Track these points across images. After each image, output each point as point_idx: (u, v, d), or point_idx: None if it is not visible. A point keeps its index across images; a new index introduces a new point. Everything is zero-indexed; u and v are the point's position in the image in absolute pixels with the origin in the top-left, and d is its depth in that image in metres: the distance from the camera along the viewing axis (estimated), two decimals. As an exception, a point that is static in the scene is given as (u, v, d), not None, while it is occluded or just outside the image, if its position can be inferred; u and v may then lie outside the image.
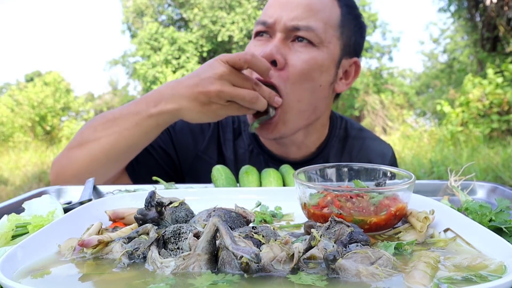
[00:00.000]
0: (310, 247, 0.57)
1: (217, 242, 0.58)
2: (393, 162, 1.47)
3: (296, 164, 1.24)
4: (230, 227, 0.63)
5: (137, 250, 0.60)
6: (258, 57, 1.12)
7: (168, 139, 1.40)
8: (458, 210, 0.79)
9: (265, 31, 1.25)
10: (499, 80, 8.65)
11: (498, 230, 0.70)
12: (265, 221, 0.83)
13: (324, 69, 1.24)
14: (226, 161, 1.40)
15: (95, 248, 0.63)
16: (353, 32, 1.32)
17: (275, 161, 1.37)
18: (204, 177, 1.25)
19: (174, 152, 1.41)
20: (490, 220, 0.74)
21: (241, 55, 1.11)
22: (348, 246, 0.59)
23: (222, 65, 1.10)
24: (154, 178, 1.14)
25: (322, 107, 1.32)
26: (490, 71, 8.90)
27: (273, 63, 1.19)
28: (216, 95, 1.09)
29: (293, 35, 1.21)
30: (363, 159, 1.41)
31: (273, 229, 0.65)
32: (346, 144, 1.43)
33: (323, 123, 1.41)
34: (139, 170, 1.34)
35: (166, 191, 0.95)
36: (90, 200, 0.91)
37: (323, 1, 1.24)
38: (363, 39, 1.39)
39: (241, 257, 0.52)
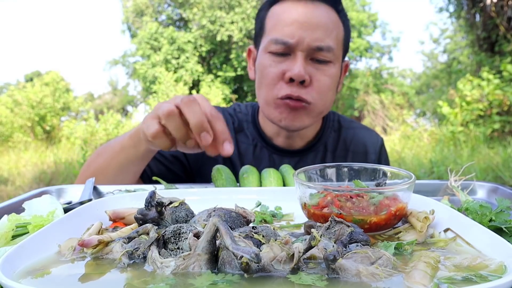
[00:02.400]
0: (310, 247, 0.57)
1: (217, 242, 0.58)
2: (383, 149, 1.60)
3: (299, 153, 1.49)
4: (230, 227, 0.63)
5: (137, 250, 0.60)
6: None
7: None
8: (458, 210, 0.79)
9: (285, 50, 1.31)
10: (496, 81, 8.64)
11: (498, 230, 0.70)
12: (265, 221, 0.83)
13: (337, 80, 1.40)
14: (231, 157, 1.48)
15: (95, 248, 0.63)
16: (348, 39, 1.45)
17: (279, 152, 1.49)
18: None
19: (184, 157, 1.48)
20: (490, 220, 0.74)
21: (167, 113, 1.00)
22: (348, 246, 0.59)
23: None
24: (154, 178, 1.14)
25: (331, 107, 1.47)
26: (485, 73, 8.92)
27: (301, 82, 1.29)
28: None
29: (314, 54, 1.30)
30: (357, 145, 1.55)
31: (273, 229, 0.65)
32: (341, 134, 1.57)
33: None
34: (149, 175, 1.42)
35: (166, 191, 0.95)
36: (90, 200, 0.91)
37: (333, 21, 1.33)
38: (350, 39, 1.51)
39: (241, 257, 0.52)
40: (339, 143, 1.54)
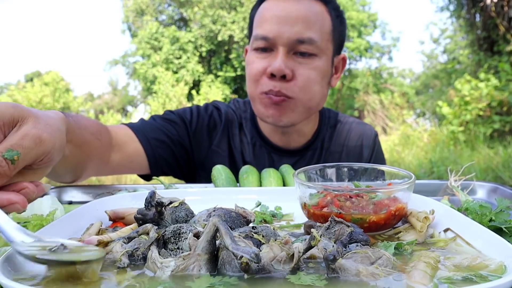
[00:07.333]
0: (310, 247, 0.57)
1: (217, 242, 0.58)
2: (377, 140, 1.61)
3: (297, 152, 1.49)
4: (230, 227, 0.63)
5: (137, 250, 0.60)
6: None
7: (185, 133, 1.46)
8: (458, 210, 0.79)
9: (266, 45, 1.32)
10: (495, 81, 8.64)
11: (498, 230, 0.70)
12: (265, 221, 0.83)
13: (325, 73, 1.37)
14: (234, 153, 1.49)
15: (95, 248, 0.63)
16: (340, 31, 1.41)
17: (277, 152, 1.49)
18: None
19: (190, 146, 1.48)
20: (490, 220, 0.74)
21: None
22: (348, 246, 0.59)
23: None
24: (154, 178, 1.14)
25: (322, 102, 1.44)
26: (483, 73, 8.93)
27: (283, 77, 1.28)
28: None
29: (296, 48, 1.29)
30: (353, 139, 1.56)
31: (273, 229, 0.65)
32: (336, 130, 1.58)
33: (316, 114, 1.55)
34: (158, 162, 1.38)
35: (166, 191, 0.95)
36: None
37: (316, 12, 1.32)
38: (345, 33, 1.48)
39: (241, 257, 0.52)
40: (335, 138, 1.56)
